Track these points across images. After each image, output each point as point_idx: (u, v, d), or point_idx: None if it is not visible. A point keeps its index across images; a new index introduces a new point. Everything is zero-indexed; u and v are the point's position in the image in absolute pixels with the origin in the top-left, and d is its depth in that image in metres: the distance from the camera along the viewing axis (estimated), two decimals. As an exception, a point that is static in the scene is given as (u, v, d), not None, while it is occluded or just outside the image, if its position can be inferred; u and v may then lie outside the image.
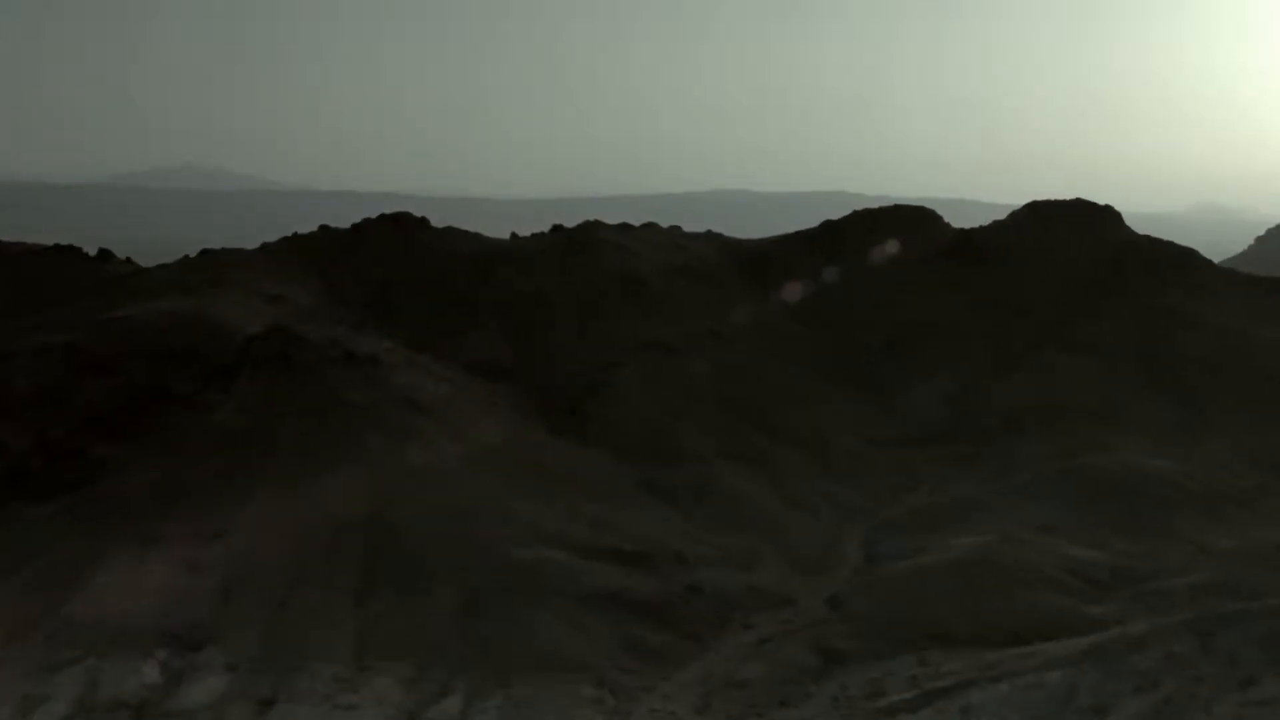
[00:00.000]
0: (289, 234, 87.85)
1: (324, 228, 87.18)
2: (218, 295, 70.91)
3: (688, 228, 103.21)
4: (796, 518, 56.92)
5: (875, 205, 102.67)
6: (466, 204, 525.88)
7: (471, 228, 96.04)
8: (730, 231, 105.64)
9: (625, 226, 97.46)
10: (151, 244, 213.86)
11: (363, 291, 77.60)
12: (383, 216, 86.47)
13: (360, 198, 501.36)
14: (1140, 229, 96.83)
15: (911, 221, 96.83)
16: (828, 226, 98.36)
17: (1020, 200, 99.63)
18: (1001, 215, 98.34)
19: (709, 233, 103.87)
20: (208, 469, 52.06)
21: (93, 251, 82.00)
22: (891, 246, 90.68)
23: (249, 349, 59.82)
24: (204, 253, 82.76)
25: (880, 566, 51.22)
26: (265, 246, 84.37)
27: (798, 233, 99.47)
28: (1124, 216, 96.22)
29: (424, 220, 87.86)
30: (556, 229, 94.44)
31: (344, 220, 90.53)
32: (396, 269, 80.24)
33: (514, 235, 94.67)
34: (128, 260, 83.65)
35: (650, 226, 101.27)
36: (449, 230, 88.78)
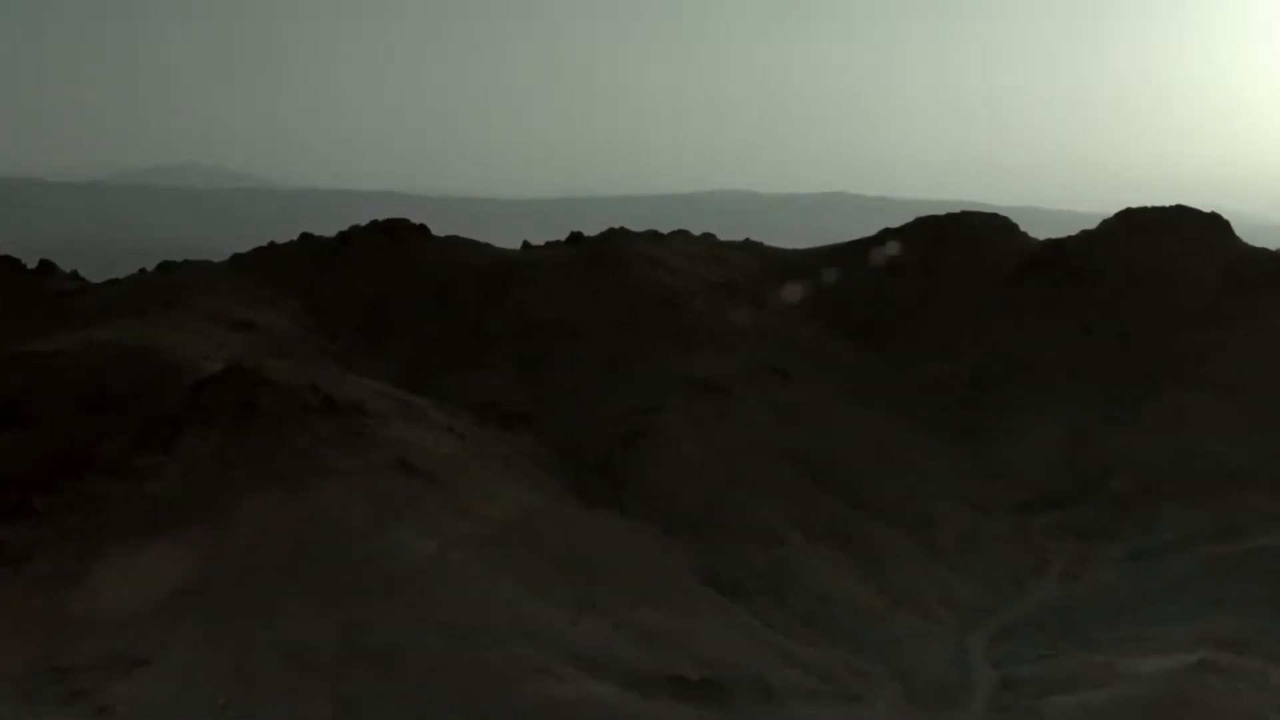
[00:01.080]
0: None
1: (305, 236, 74.14)
2: (173, 320, 58.43)
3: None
4: (903, 622, 44.09)
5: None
6: (469, 204, 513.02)
7: (475, 229, 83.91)
8: (734, 234, 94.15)
9: (655, 235, 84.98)
10: (151, 244, 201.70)
11: (349, 315, 64.97)
12: (374, 224, 73.29)
13: (361, 196, 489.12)
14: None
15: (986, 231, 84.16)
16: (886, 235, 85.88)
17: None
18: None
19: (747, 241, 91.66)
20: (135, 564, 39.32)
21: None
22: (969, 260, 78.01)
23: (199, 396, 47.14)
24: (163, 265, 70.22)
25: (1026, 700, 38.38)
26: (236, 258, 71.44)
27: (851, 242, 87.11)
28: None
29: (423, 228, 74.61)
30: (576, 237, 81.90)
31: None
32: (390, 286, 67.59)
33: (526, 244, 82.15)
34: (74, 274, 71.30)
35: (682, 234, 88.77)
36: (453, 239, 75.62)
